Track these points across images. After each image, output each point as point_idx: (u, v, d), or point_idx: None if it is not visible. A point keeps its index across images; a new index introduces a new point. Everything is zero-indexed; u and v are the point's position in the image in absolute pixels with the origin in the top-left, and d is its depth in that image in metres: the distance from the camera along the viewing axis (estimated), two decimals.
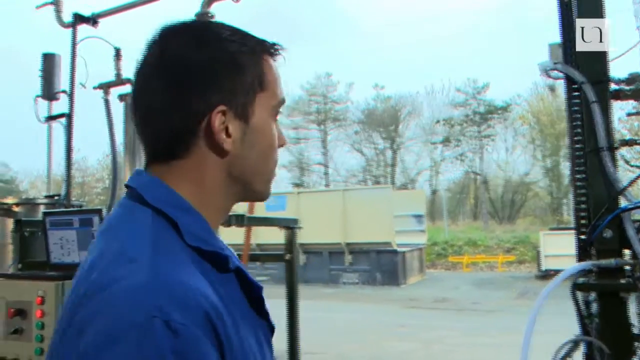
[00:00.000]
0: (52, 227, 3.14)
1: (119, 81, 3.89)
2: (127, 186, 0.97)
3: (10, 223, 4.10)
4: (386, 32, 61.86)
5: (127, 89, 3.83)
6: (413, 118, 44.31)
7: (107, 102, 4.01)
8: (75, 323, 0.78)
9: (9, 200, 4.11)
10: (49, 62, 5.76)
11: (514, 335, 3.40)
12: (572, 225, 2.74)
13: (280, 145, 1.04)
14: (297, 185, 41.77)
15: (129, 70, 3.92)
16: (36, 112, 5.69)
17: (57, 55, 5.44)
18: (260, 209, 15.36)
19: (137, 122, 0.97)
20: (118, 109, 3.78)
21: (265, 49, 1.00)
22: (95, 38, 4.13)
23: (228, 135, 0.94)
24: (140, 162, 3.70)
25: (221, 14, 3.78)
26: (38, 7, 4.82)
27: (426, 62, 55.47)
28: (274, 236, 5.08)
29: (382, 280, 20.55)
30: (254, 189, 1.02)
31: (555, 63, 2.69)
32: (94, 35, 4.19)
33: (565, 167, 37.35)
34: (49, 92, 5.71)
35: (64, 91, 5.19)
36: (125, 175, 3.69)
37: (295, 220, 3.96)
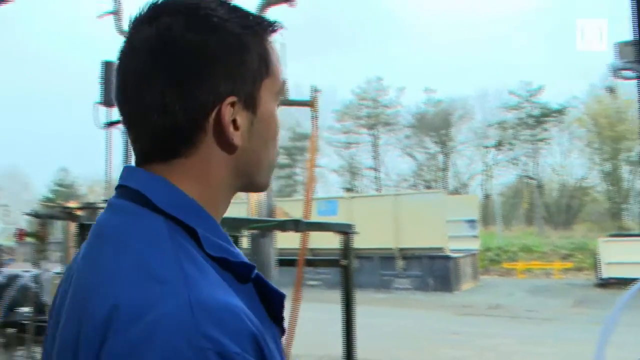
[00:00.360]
0: None
1: None
2: (122, 186, 0.85)
3: (73, 226, 4.21)
4: (436, 34, 61.27)
5: None
6: (465, 121, 43.79)
7: None
8: (108, 355, 0.67)
9: (72, 204, 4.22)
10: (108, 69, 5.91)
11: (572, 345, 3.27)
12: (637, 232, 2.61)
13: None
14: (348, 189, 41.72)
15: None
16: (96, 118, 5.83)
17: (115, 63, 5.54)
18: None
19: (126, 118, 0.85)
20: None
21: (266, 28, 0.88)
22: None
23: (236, 127, 0.83)
24: None
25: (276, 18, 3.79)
26: (100, 15, 4.93)
27: (478, 64, 54.64)
28: (326, 241, 5.06)
29: (434, 286, 20.29)
30: (257, 181, 0.92)
31: (627, 62, 2.57)
32: None
33: (626, 171, 36.18)
34: (107, 99, 5.86)
35: None
36: None
37: (350, 226, 3.93)
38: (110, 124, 5.95)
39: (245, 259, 0.83)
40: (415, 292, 20.33)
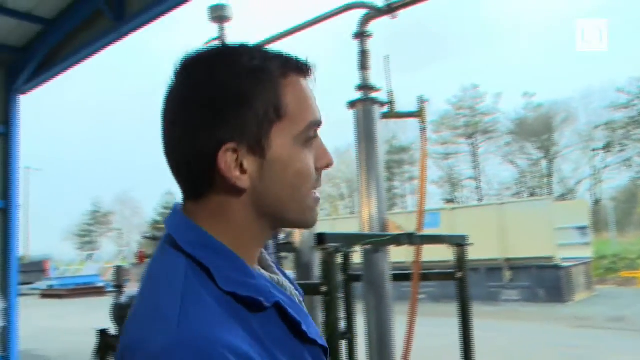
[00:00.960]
0: None
1: None
2: (165, 225, 0.95)
3: None
4: (531, 36, 59.13)
5: None
6: (568, 124, 41.85)
7: None
8: None
9: None
10: None
11: None
12: None
13: (325, 166, 0.96)
14: (448, 201, 40.98)
15: None
16: None
17: None
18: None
19: (167, 161, 0.94)
20: None
21: (288, 69, 0.91)
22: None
23: (243, 171, 0.88)
24: None
25: (377, 31, 3.76)
26: (205, 43, 5.10)
27: (578, 63, 52.14)
28: (432, 253, 4.94)
29: (545, 297, 19.44)
30: (289, 219, 0.96)
31: None
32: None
33: None
34: None
35: None
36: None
37: (465, 237, 3.80)
38: None
39: (256, 293, 0.87)
40: (524, 303, 19.55)
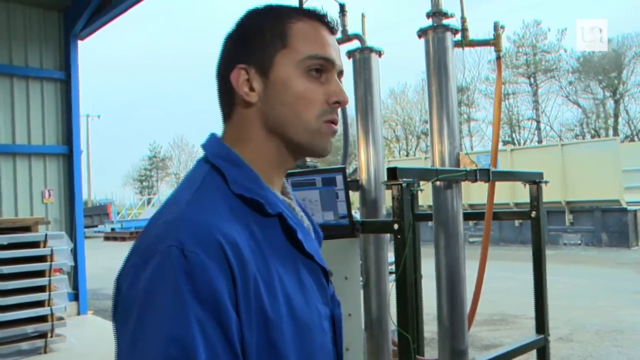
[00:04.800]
0: (294, 188, 3.14)
1: (346, 37, 3.76)
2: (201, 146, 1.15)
3: None
4: None
5: (354, 44, 3.69)
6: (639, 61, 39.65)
7: None
8: (134, 246, 0.99)
9: None
10: None
11: None
12: None
13: (336, 102, 1.10)
14: (506, 142, 39.92)
15: (354, 25, 3.80)
16: None
17: None
18: None
19: None
20: (347, 67, 3.68)
21: (302, 15, 1.13)
22: None
23: (252, 89, 1.09)
24: (373, 121, 3.56)
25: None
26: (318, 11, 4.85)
27: None
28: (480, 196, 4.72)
29: (608, 241, 18.95)
30: (294, 140, 1.11)
31: None
32: None
33: None
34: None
35: None
36: (359, 139, 3.57)
37: (541, 174, 3.58)
38: None
39: (261, 197, 1.06)
40: (586, 247, 19.13)
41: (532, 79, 42.01)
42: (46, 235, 7.49)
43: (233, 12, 1.24)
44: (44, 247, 7.39)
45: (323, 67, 1.12)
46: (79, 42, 10.30)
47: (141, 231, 1.03)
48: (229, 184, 1.05)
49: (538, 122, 42.61)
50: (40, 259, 7.38)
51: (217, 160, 1.08)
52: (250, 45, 1.10)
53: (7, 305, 7.01)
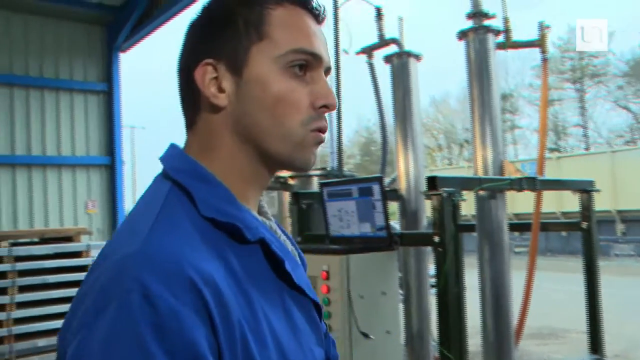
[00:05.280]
0: (330, 198, 3.03)
1: (383, 42, 3.66)
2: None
3: (287, 196, 4.17)
4: None
5: (392, 49, 3.57)
6: None
7: (371, 66, 3.82)
8: (79, 294, 0.79)
9: (284, 173, 4.18)
10: None
11: None
12: None
13: (323, 106, 0.91)
14: (552, 150, 39.01)
15: (391, 30, 3.69)
16: None
17: None
18: None
19: None
20: (384, 72, 3.57)
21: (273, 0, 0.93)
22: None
23: (221, 90, 0.89)
24: (412, 128, 3.43)
25: None
26: None
27: None
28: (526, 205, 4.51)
29: None
30: (272, 151, 0.91)
31: None
32: None
33: None
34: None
35: None
36: (398, 146, 3.45)
37: (591, 183, 3.37)
38: None
39: (238, 221, 0.85)
40: (639, 259, 18.43)
41: (578, 84, 41.03)
42: (88, 245, 7.56)
43: None
44: (87, 256, 7.47)
45: (308, 64, 0.92)
46: (121, 55, 10.47)
47: (87, 272, 0.81)
48: (197, 205, 0.85)
49: (585, 128, 41.56)
50: (83, 268, 7.45)
51: (180, 176, 0.88)
52: (220, 35, 0.91)
53: (52, 314, 7.10)
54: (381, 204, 2.79)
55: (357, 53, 3.89)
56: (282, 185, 4.15)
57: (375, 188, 2.77)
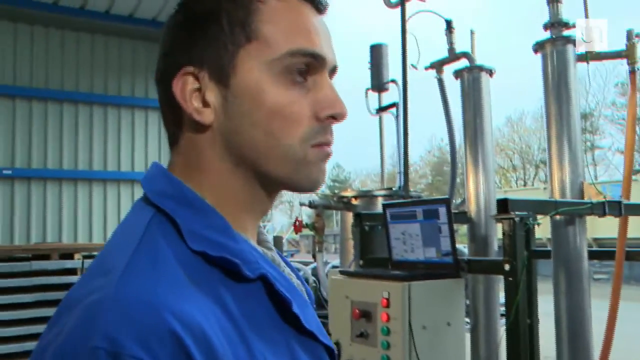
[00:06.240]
0: (393, 220, 2.87)
1: (453, 56, 3.49)
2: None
3: (350, 217, 4.04)
4: None
5: (462, 63, 3.40)
6: None
7: (441, 81, 3.65)
8: (42, 342, 0.64)
9: (348, 193, 4.05)
10: (376, 53, 5.74)
11: None
12: None
13: (331, 117, 0.77)
14: (638, 171, 37.19)
15: (462, 44, 3.52)
16: (367, 105, 5.69)
17: (385, 45, 5.37)
18: None
19: None
20: (455, 87, 3.40)
21: None
22: (427, 12, 3.82)
23: (206, 104, 0.75)
24: (483, 147, 3.22)
25: None
26: None
27: None
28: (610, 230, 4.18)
29: None
30: (269, 173, 0.77)
31: None
32: (423, 9, 3.89)
33: None
34: (378, 84, 5.69)
35: (393, 80, 5.08)
36: (468, 166, 3.25)
37: None
38: (381, 109, 5.80)
39: (232, 255, 0.71)
40: None
41: None
42: None
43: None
44: None
45: (310, 67, 0.78)
46: None
47: (50, 320, 0.67)
48: (184, 237, 0.71)
49: None
50: None
51: (163, 201, 0.74)
52: (200, 37, 0.76)
53: None
54: (447, 227, 2.61)
55: (426, 68, 3.73)
56: (345, 205, 4.01)
57: (442, 210, 2.59)
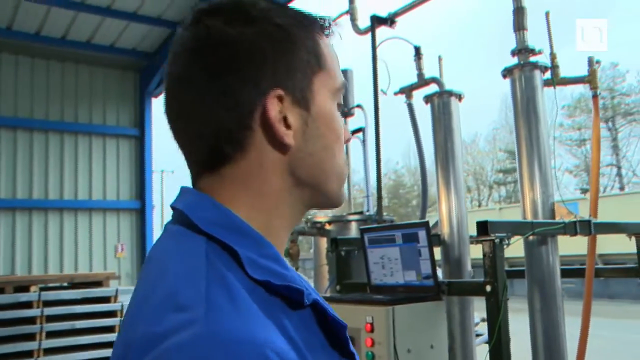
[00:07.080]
0: (372, 244, 2.88)
1: (422, 82, 3.56)
2: (172, 207, 0.80)
3: (324, 242, 4.03)
4: None
5: (431, 89, 3.47)
6: None
7: (410, 106, 3.71)
8: None
9: (321, 218, 4.05)
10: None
11: None
12: None
13: (346, 141, 0.85)
14: (585, 190, 38.30)
15: (431, 69, 3.59)
16: None
17: (350, 70, 5.41)
18: None
19: (172, 124, 0.81)
20: (425, 112, 3.45)
21: (314, 22, 0.82)
22: (395, 39, 3.89)
23: (287, 126, 0.76)
24: (455, 170, 3.28)
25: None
26: (335, 19, 4.75)
27: None
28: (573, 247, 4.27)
29: None
30: (328, 192, 0.83)
31: None
32: (393, 36, 3.96)
33: None
34: (344, 109, 5.73)
35: (358, 106, 5.13)
36: (440, 189, 3.30)
37: None
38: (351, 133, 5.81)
39: (295, 282, 0.71)
40: None
41: (610, 123, 40.49)
42: (117, 290, 7.51)
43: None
44: (115, 302, 7.40)
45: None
46: (153, 100, 10.59)
47: (119, 354, 0.66)
48: (244, 267, 0.70)
49: (619, 168, 40.82)
50: (111, 314, 7.38)
51: (217, 230, 0.72)
52: (283, 60, 0.76)
53: None
54: (427, 250, 2.64)
55: (396, 93, 3.79)
56: (319, 231, 4.01)
57: (421, 234, 2.62)
